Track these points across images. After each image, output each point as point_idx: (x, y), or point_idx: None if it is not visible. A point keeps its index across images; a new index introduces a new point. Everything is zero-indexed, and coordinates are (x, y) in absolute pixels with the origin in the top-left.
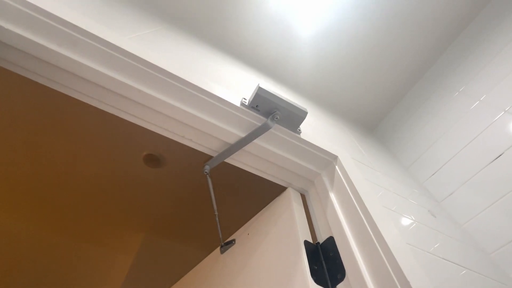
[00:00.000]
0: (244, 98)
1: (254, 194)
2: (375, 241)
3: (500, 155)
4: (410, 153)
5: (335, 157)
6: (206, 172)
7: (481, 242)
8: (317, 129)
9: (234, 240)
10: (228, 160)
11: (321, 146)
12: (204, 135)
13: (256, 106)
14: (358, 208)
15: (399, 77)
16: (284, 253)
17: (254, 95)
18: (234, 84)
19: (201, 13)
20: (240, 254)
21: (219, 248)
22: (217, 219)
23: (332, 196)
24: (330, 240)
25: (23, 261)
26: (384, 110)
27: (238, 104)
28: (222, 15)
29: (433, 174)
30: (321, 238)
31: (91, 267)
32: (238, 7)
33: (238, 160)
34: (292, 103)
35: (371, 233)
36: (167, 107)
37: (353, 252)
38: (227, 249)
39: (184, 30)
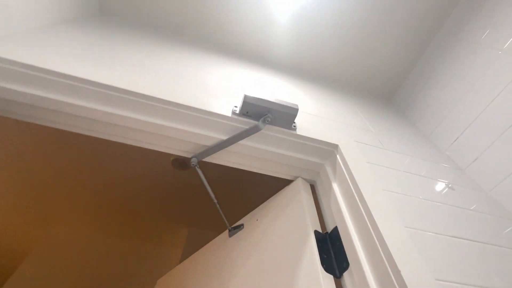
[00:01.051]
0: (235, 106)
1: (262, 183)
2: (371, 229)
3: None
4: (430, 120)
5: (335, 146)
6: (193, 164)
7: (510, 208)
8: (317, 116)
9: (242, 224)
10: (229, 164)
11: (319, 138)
12: (201, 147)
13: (247, 112)
14: (357, 197)
15: (410, 38)
16: (293, 241)
17: (242, 103)
18: (224, 86)
19: (179, 17)
20: (248, 238)
21: (227, 231)
22: (217, 206)
23: (335, 186)
24: (336, 230)
25: (88, 264)
26: (398, 77)
27: (230, 114)
28: (201, 15)
29: (455, 140)
30: (329, 228)
31: (147, 262)
32: (216, 5)
33: (239, 162)
34: (280, 103)
35: (367, 221)
36: (166, 129)
37: (353, 242)
38: (235, 233)
39: (164, 38)
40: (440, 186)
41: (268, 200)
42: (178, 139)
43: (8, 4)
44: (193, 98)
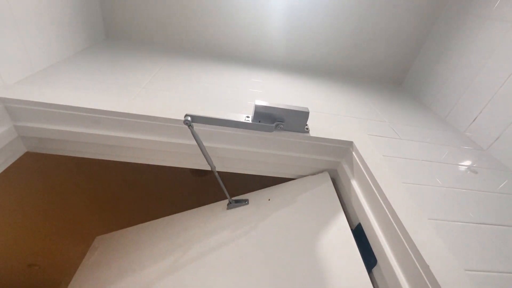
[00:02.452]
0: (247, 116)
1: None
2: (394, 224)
3: None
4: (445, 102)
5: (350, 143)
6: (187, 122)
7: None
8: (329, 114)
9: (247, 200)
10: (245, 171)
11: (333, 137)
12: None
13: (259, 121)
14: (377, 193)
15: (415, 18)
16: (329, 234)
17: (253, 113)
18: (236, 97)
19: (181, 35)
20: (257, 214)
21: (226, 203)
22: (216, 174)
23: (354, 183)
24: (360, 227)
25: None
26: (407, 60)
27: None
28: (200, 25)
29: (474, 120)
30: (353, 225)
31: None
32: (212, 13)
33: (254, 169)
34: (291, 108)
35: (390, 217)
36: (179, 146)
37: (378, 238)
38: (235, 207)
39: (167, 56)
40: (461, 171)
41: (283, 184)
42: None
43: (26, 49)
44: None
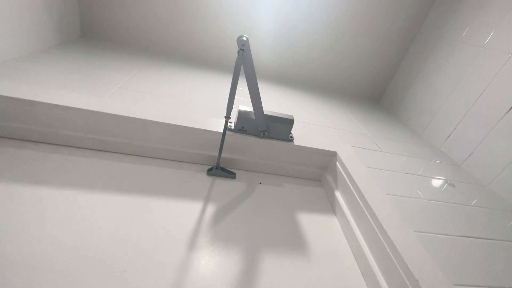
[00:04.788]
0: (230, 122)
1: None
2: (382, 239)
3: None
4: (421, 119)
5: (333, 153)
6: (242, 43)
7: (510, 200)
8: (312, 124)
9: (234, 174)
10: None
11: (317, 147)
12: (202, 158)
13: (242, 127)
14: (363, 206)
15: (393, 41)
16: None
17: (237, 118)
18: (218, 102)
19: (156, 36)
20: (241, 188)
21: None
22: (227, 122)
23: (338, 194)
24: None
25: None
26: (384, 79)
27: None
28: (185, 30)
29: (448, 137)
30: None
31: None
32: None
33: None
34: (276, 115)
35: (378, 232)
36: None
37: (364, 253)
38: (218, 176)
39: (148, 59)
40: (440, 184)
41: (274, 175)
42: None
43: None
44: (185, 118)
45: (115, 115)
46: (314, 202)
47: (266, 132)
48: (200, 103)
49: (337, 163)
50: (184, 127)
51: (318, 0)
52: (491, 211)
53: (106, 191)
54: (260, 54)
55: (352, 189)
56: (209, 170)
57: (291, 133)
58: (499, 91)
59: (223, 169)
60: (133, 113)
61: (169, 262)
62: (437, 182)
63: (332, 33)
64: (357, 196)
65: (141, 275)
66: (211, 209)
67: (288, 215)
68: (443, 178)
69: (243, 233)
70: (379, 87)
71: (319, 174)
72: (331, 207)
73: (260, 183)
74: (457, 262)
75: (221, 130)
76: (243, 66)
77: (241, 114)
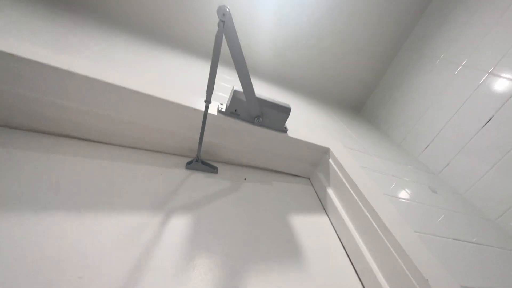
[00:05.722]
0: (221, 104)
1: None
2: (383, 237)
3: (491, 118)
4: (400, 129)
5: (326, 150)
6: (223, 13)
7: (484, 209)
8: (304, 121)
9: (217, 168)
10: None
11: (311, 141)
12: (182, 149)
13: (235, 110)
14: (361, 204)
15: (376, 51)
16: (312, 231)
17: (230, 99)
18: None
19: (162, 19)
20: (223, 184)
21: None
22: (206, 111)
23: (330, 192)
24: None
25: None
26: (366, 89)
27: (215, 113)
28: (182, 17)
29: (426, 147)
30: None
31: None
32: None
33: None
34: (273, 101)
35: (378, 230)
36: (139, 127)
37: (361, 251)
38: (198, 170)
39: (145, 39)
40: (425, 189)
41: (259, 169)
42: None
43: None
44: (174, 95)
45: (86, 76)
46: (303, 200)
47: (260, 118)
48: (191, 82)
49: (330, 160)
50: (170, 102)
51: (306, 12)
52: (471, 217)
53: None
54: (258, 49)
55: (349, 188)
56: (188, 163)
57: (285, 125)
58: (475, 107)
59: (204, 163)
60: (107, 78)
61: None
62: (420, 187)
63: (317, 43)
64: (354, 195)
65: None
66: (186, 208)
67: (276, 214)
68: (427, 184)
69: (225, 238)
70: (361, 97)
71: (309, 170)
72: (322, 205)
73: (245, 179)
74: (459, 265)
75: (214, 113)
76: (227, 41)
77: (236, 96)
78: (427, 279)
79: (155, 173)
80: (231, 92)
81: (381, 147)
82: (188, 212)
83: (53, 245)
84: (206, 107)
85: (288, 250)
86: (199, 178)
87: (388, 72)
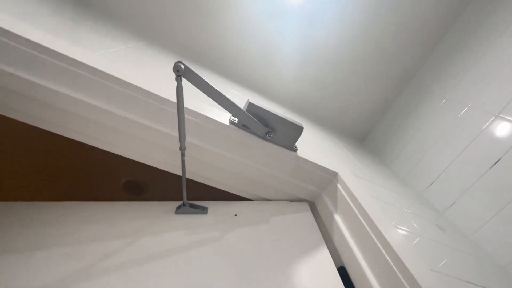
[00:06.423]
0: (233, 116)
1: None
2: (397, 272)
3: (498, 160)
4: (404, 163)
5: (335, 174)
6: (178, 70)
7: (493, 254)
8: (312, 144)
9: (206, 208)
10: (211, 182)
11: (320, 163)
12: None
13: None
14: (372, 234)
15: (384, 86)
16: (310, 268)
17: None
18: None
19: (181, 30)
20: (218, 226)
21: (173, 205)
22: (183, 159)
23: (338, 218)
24: (342, 271)
25: None
26: (371, 120)
27: (227, 123)
28: (202, 30)
29: (431, 184)
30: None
31: None
32: (219, 22)
33: (223, 183)
34: (287, 119)
35: (392, 263)
36: (144, 129)
37: (371, 285)
38: (188, 213)
39: (164, 48)
40: (433, 226)
41: (250, 202)
42: (158, 144)
43: None
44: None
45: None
46: (302, 232)
47: (272, 134)
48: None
49: (338, 184)
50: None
51: (318, 37)
52: (481, 261)
53: None
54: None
55: (359, 216)
56: (178, 208)
57: (295, 145)
58: (482, 148)
59: (192, 205)
60: (120, 73)
61: None
62: (428, 223)
63: (333, 82)
64: (365, 224)
65: None
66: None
67: (269, 254)
68: (432, 220)
69: None
70: (365, 128)
71: (315, 194)
72: (327, 232)
73: (236, 215)
74: None
75: (226, 123)
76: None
77: (250, 108)
78: None
79: (156, 216)
80: (245, 105)
81: (385, 179)
82: (190, 240)
83: None
84: (183, 154)
85: None
86: (192, 217)
87: (395, 105)
